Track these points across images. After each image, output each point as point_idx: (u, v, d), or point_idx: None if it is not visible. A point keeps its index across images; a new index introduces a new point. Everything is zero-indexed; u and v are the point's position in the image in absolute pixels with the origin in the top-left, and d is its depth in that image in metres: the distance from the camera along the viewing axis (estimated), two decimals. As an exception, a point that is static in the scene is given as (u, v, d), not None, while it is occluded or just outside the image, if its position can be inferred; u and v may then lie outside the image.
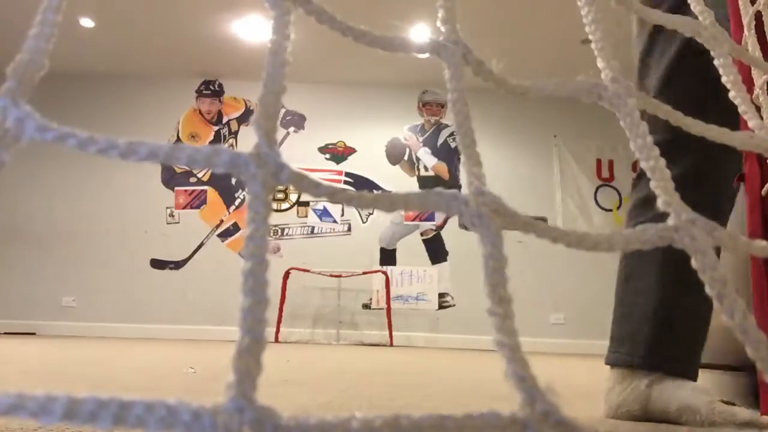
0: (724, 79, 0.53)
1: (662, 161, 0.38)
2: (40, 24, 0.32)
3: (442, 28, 0.40)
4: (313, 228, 6.01)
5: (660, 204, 0.36)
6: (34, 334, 5.43)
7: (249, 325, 0.26)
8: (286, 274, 5.37)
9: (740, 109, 0.54)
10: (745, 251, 0.36)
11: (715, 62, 0.53)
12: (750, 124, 0.53)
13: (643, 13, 0.52)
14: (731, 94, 0.53)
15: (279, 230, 5.95)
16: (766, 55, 0.76)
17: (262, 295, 0.27)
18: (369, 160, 6.16)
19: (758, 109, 0.69)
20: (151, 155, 0.29)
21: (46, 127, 0.29)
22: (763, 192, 0.90)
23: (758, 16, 0.73)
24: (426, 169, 6.18)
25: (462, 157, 0.35)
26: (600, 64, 0.43)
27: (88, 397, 0.23)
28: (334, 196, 0.32)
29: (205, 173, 6.06)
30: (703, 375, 1.17)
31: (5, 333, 5.25)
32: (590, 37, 0.45)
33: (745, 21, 0.72)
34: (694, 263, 0.34)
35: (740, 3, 0.75)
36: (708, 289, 0.33)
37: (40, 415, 0.22)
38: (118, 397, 0.23)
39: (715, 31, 0.52)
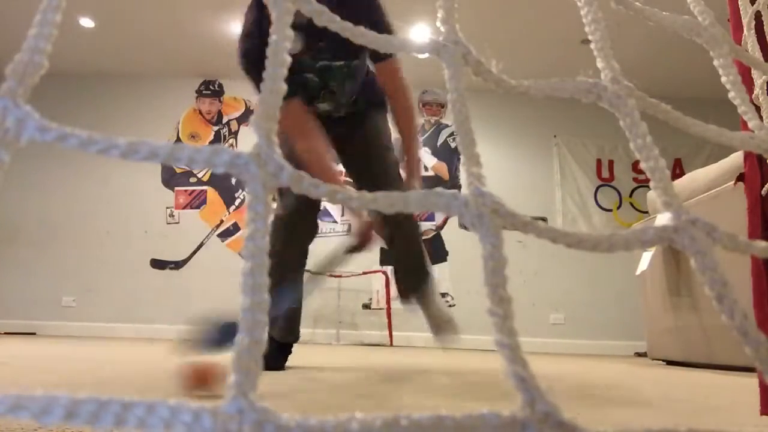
0: (723, 80, 0.53)
1: (662, 161, 0.38)
2: (39, 24, 0.32)
3: (442, 28, 0.40)
4: (313, 228, 6.00)
5: (660, 204, 0.36)
6: (34, 334, 5.43)
7: (249, 325, 0.26)
8: (286, 274, 5.36)
9: (740, 110, 0.54)
10: (745, 251, 0.36)
11: (715, 62, 0.53)
12: (750, 124, 0.53)
13: (643, 13, 0.52)
14: (731, 95, 0.53)
15: (279, 230, 5.94)
16: (766, 55, 0.76)
17: (262, 295, 0.27)
18: (369, 160, 6.15)
19: (758, 109, 0.69)
20: (152, 155, 0.29)
21: (46, 127, 0.29)
22: (763, 192, 0.90)
23: (758, 16, 0.73)
24: (426, 169, 6.17)
25: (462, 158, 0.35)
26: (600, 64, 0.43)
27: (89, 398, 0.23)
28: (334, 196, 0.32)
29: (205, 173, 6.05)
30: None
31: (5, 333, 5.24)
32: (590, 37, 0.45)
33: (744, 21, 0.72)
34: (693, 264, 0.34)
35: (740, 3, 0.75)
36: (708, 290, 0.33)
37: (41, 416, 0.22)
38: (119, 398, 0.23)
39: (715, 31, 0.52)
